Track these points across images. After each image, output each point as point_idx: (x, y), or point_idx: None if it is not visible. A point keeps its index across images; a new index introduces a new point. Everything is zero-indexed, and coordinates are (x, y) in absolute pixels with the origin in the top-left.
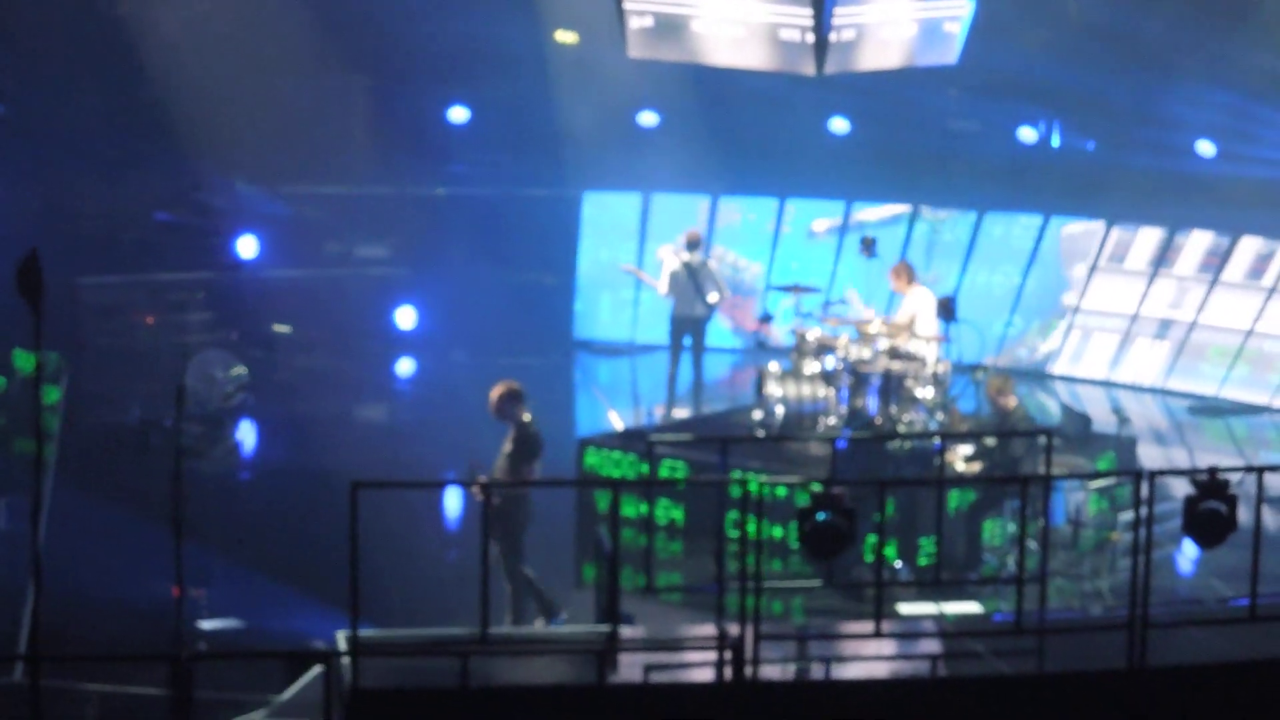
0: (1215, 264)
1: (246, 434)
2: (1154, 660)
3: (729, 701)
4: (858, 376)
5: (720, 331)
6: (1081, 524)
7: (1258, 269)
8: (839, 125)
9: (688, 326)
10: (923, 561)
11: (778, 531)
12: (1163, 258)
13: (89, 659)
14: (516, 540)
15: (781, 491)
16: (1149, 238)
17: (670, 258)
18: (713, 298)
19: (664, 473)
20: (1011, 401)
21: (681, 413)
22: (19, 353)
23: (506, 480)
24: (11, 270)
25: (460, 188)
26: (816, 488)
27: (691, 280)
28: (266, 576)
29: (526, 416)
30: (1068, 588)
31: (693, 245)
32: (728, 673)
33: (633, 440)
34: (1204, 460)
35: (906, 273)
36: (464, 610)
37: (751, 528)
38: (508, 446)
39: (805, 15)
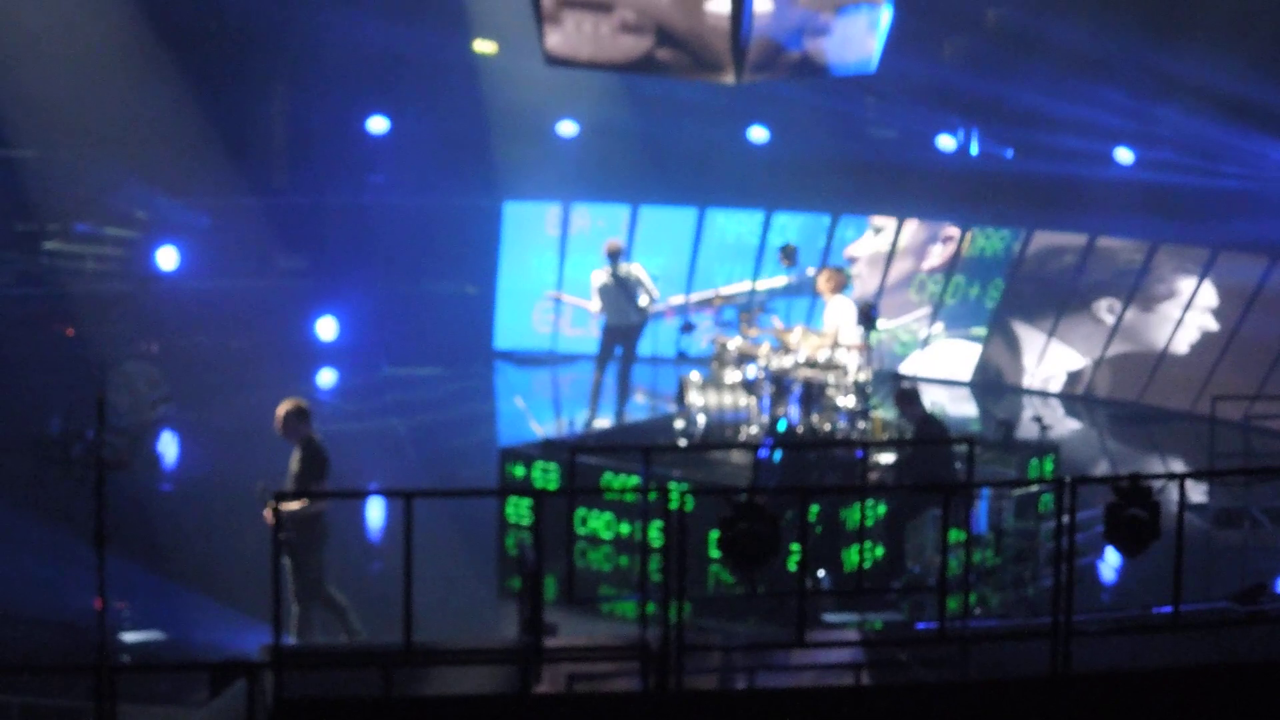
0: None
1: (168, 446)
2: (1078, 667)
3: (652, 711)
4: (779, 385)
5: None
6: (1004, 532)
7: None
8: (758, 134)
9: (620, 336)
10: (848, 570)
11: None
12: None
13: (10, 670)
14: (310, 560)
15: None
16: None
17: (600, 274)
18: (643, 301)
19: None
20: (919, 410)
21: (603, 422)
22: None
23: (288, 505)
24: None
25: (380, 197)
26: (739, 497)
27: (622, 290)
28: (188, 589)
29: (313, 435)
30: (990, 596)
31: (614, 256)
32: (651, 682)
33: (555, 450)
34: (1126, 468)
35: (836, 278)
36: (387, 621)
37: (660, 537)
38: (295, 465)
39: (723, 23)
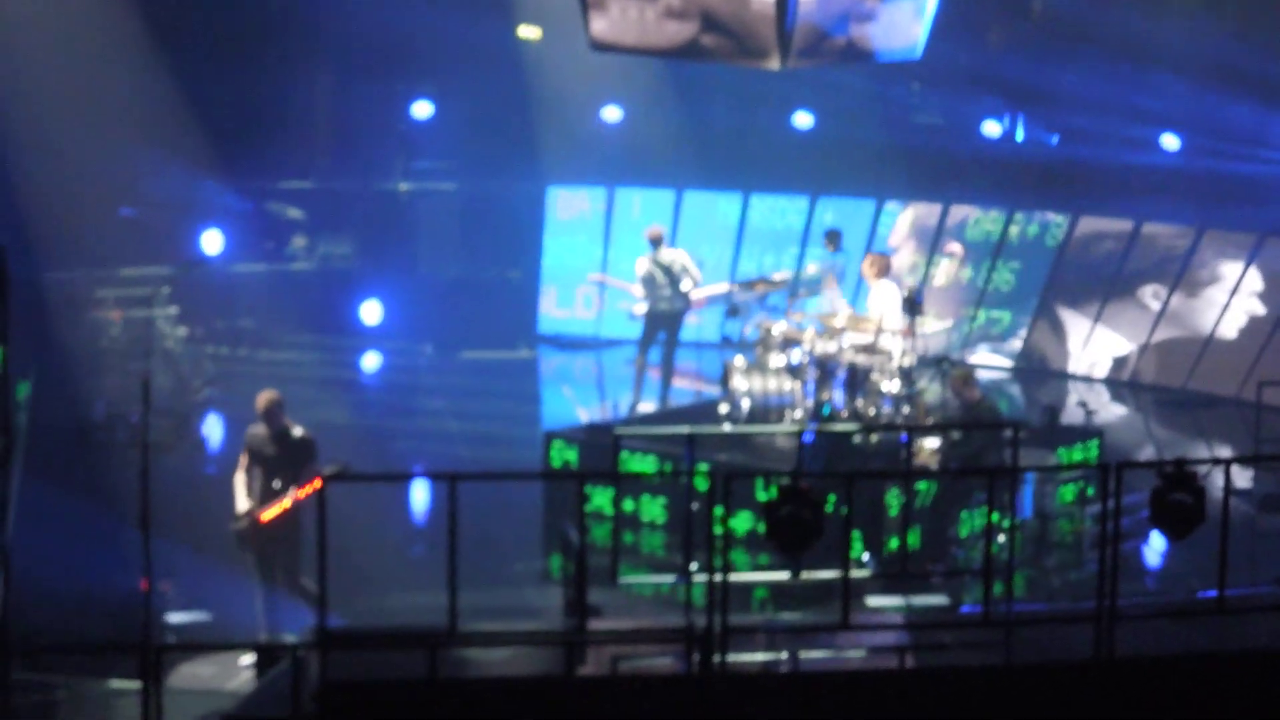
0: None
1: (212, 428)
2: (1122, 652)
3: (696, 693)
4: (823, 370)
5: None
6: (1049, 516)
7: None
8: (803, 120)
9: (663, 321)
10: (890, 553)
11: (745, 524)
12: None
13: (58, 651)
14: (293, 556)
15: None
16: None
17: (643, 261)
18: (686, 286)
19: (637, 468)
20: (975, 394)
21: (647, 407)
22: None
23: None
24: None
25: (424, 183)
26: (783, 481)
27: (666, 275)
28: (233, 570)
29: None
30: (1035, 580)
31: (656, 242)
32: (695, 664)
33: (599, 434)
34: (1171, 452)
35: (880, 263)
36: (432, 603)
37: (718, 521)
38: (272, 450)
39: (769, 8)
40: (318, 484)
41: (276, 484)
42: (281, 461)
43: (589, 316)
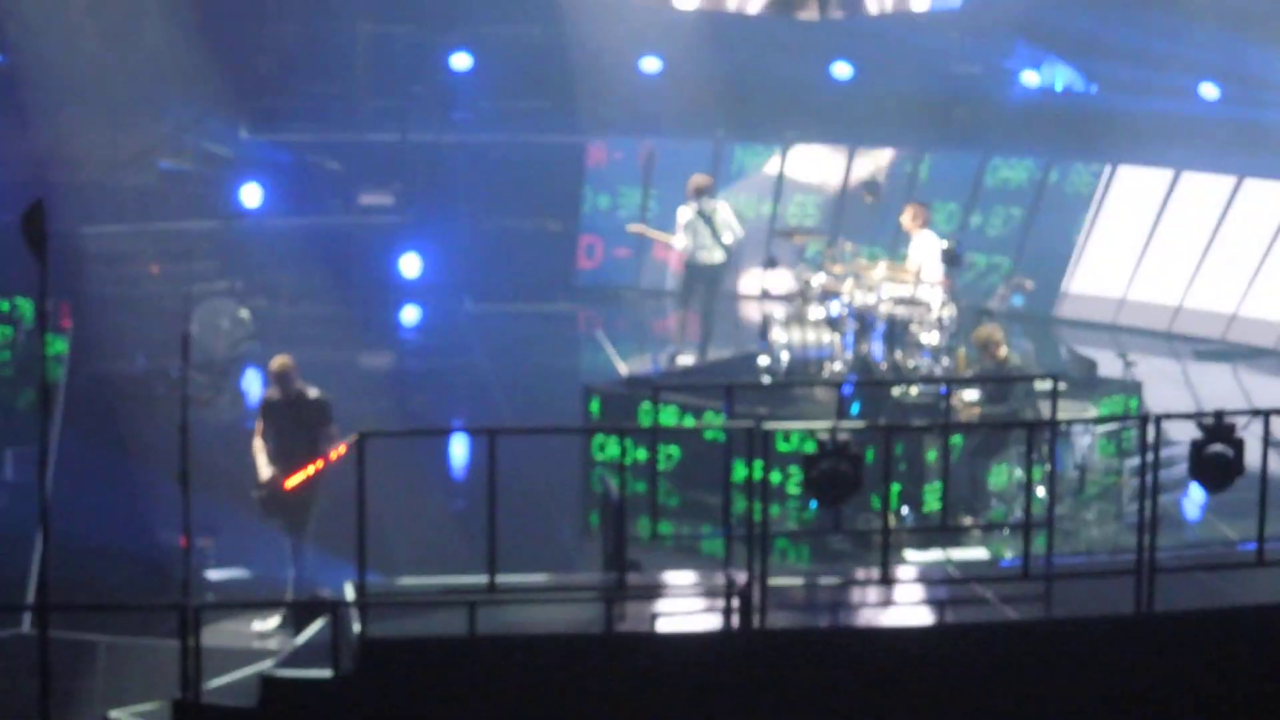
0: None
1: (252, 383)
2: (1161, 605)
3: (736, 649)
4: (863, 322)
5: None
6: (1088, 469)
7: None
8: (842, 70)
9: (704, 273)
10: (929, 508)
11: (778, 477)
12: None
13: (97, 609)
14: (309, 519)
15: (787, 442)
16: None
17: (685, 210)
18: (727, 239)
19: (668, 420)
20: (1002, 351)
21: (687, 359)
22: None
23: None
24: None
25: (463, 135)
26: (823, 434)
27: (708, 226)
28: (273, 527)
29: (306, 388)
30: (1075, 533)
31: (700, 192)
32: (735, 620)
33: (638, 386)
34: (1210, 404)
35: (921, 214)
36: (471, 559)
37: (759, 474)
38: (291, 416)
39: None
40: (342, 449)
41: (294, 448)
42: (297, 425)
43: (630, 267)
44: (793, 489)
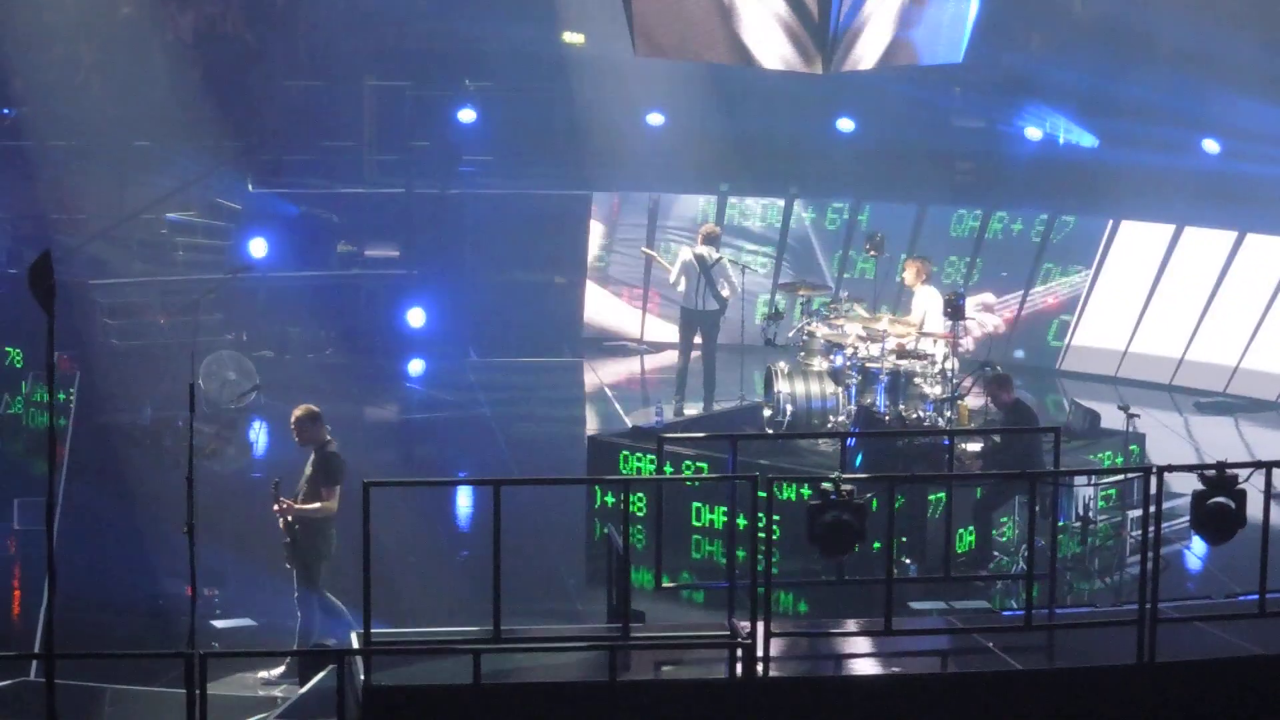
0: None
1: (258, 434)
2: (1163, 656)
3: (739, 698)
4: (866, 374)
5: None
6: (1091, 520)
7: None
8: (845, 124)
9: (697, 321)
10: (933, 558)
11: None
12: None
13: (104, 656)
14: (312, 568)
15: (792, 490)
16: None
17: (686, 251)
18: (724, 292)
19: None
20: (1010, 397)
21: (692, 410)
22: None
23: (306, 505)
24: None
25: (469, 188)
26: (826, 485)
27: (703, 273)
28: (278, 577)
29: (329, 439)
30: (1077, 584)
31: (709, 240)
32: (738, 670)
33: (643, 438)
34: (1212, 456)
35: (924, 269)
36: (476, 608)
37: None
38: (309, 469)
39: (813, 15)
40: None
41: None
42: (311, 473)
43: (633, 321)
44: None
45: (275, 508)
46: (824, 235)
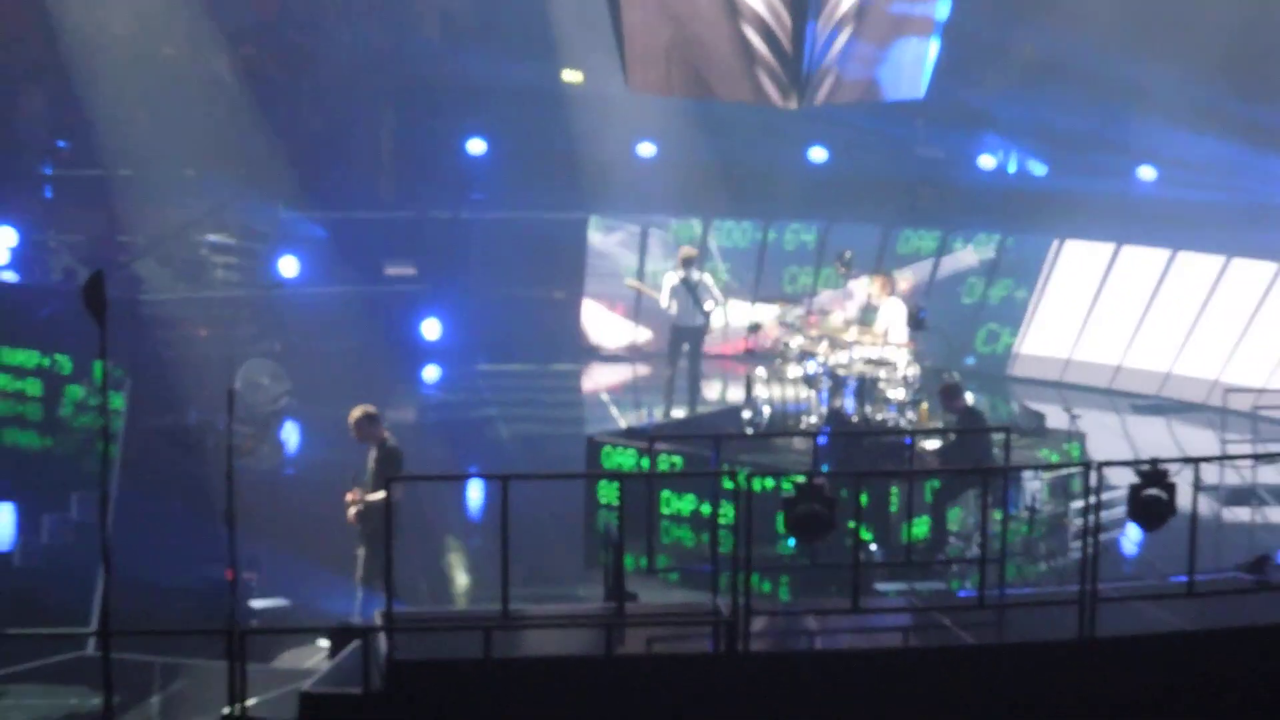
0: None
1: (290, 434)
2: (1103, 631)
3: (722, 670)
4: (836, 380)
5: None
6: (1037, 510)
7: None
8: (818, 154)
9: (687, 335)
10: (896, 545)
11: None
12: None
13: (153, 634)
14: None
15: (769, 483)
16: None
17: (672, 276)
18: (709, 306)
19: (664, 467)
20: (961, 404)
21: (679, 413)
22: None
23: (374, 496)
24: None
25: (479, 212)
26: (800, 479)
27: (690, 293)
28: (309, 562)
29: (387, 436)
30: (1025, 567)
31: (687, 263)
32: (722, 645)
33: (636, 437)
34: (1146, 453)
35: (888, 284)
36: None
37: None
38: (371, 464)
39: (788, 54)
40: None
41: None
42: (375, 469)
43: (626, 332)
44: (776, 527)
45: (348, 497)
46: (800, 254)
